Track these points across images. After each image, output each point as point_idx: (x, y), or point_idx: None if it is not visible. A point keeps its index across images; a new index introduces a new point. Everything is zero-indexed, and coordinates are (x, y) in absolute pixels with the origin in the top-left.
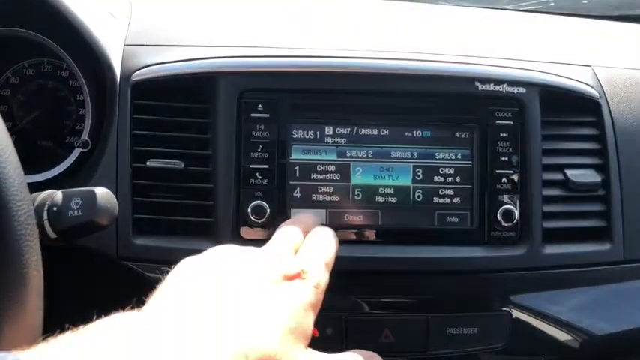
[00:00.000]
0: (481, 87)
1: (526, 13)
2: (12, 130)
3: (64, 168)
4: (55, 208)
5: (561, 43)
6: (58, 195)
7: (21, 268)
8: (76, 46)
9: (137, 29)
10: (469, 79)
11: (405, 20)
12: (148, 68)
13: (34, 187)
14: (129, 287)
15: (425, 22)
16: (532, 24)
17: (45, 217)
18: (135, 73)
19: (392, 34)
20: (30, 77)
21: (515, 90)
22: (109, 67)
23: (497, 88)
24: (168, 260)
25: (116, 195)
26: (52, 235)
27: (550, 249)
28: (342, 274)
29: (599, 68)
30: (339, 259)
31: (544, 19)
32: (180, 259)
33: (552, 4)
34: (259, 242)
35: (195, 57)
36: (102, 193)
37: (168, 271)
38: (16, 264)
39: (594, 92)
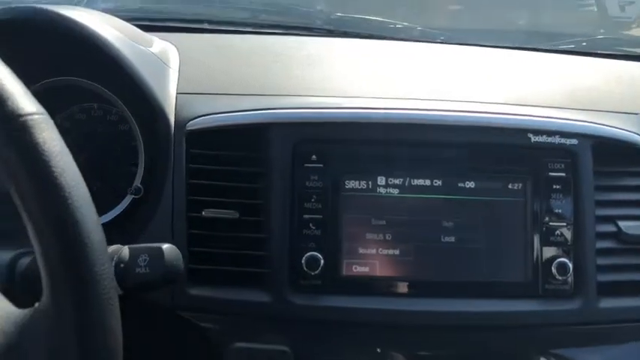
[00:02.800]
0: (534, 139)
1: (561, 55)
2: None
3: (116, 214)
4: (122, 265)
5: (603, 89)
6: (125, 251)
7: (103, 334)
8: (130, 94)
9: (188, 76)
10: (522, 131)
11: (451, 64)
12: (202, 118)
13: None
14: (183, 337)
15: (469, 65)
16: (569, 66)
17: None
18: (190, 123)
19: (442, 80)
20: (80, 121)
21: (568, 142)
22: (163, 116)
23: (549, 139)
24: (223, 311)
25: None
26: (119, 291)
27: (605, 303)
28: (395, 328)
29: None
30: (386, 313)
31: (580, 61)
32: (235, 310)
33: (585, 43)
34: (313, 294)
35: (249, 107)
36: (169, 250)
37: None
38: (99, 331)
39: None
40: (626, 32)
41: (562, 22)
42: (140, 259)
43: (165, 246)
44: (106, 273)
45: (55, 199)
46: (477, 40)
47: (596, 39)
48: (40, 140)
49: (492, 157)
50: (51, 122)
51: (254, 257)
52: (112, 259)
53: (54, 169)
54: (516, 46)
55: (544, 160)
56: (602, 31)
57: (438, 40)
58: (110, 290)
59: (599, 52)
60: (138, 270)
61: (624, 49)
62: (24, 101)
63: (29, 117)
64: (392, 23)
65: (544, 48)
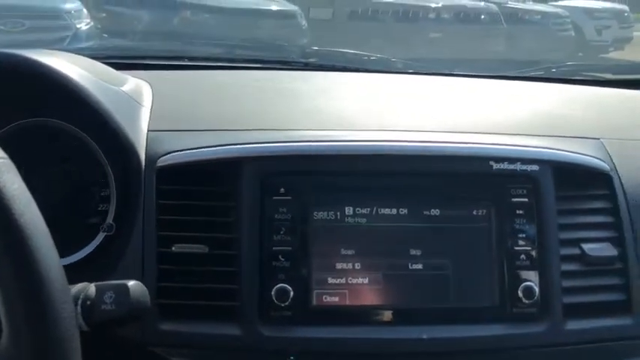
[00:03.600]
0: (495, 166)
1: (530, 82)
2: None
3: (89, 251)
4: (88, 302)
5: (568, 114)
6: (91, 288)
7: None
8: (100, 132)
9: (159, 114)
10: (484, 159)
11: (410, 94)
12: (172, 154)
13: None
14: None
15: (429, 96)
16: (536, 93)
17: (78, 310)
18: (160, 159)
19: (401, 110)
20: (54, 161)
21: (529, 168)
22: (134, 153)
23: (511, 166)
24: (194, 345)
25: (142, 280)
26: (85, 328)
27: (571, 325)
28: (366, 357)
29: (608, 141)
30: (356, 342)
31: (549, 88)
32: (206, 343)
33: (554, 70)
34: (283, 326)
35: (217, 142)
36: (135, 286)
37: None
38: None
39: (605, 166)
40: (603, 56)
41: (537, 49)
42: (106, 295)
43: (131, 283)
44: (67, 312)
45: (14, 239)
46: (449, 70)
47: (564, 65)
48: (1, 184)
49: (456, 185)
50: (11, 166)
51: (224, 290)
52: (79, 297)
53: (13, 210)
54: (486, 74)
55: (506, 186)
56: (580, 54)
57: (411, 71)
58: (71, 329)
59: (567, 77)
60: (104, 307)
61: (593, 74)
62: None
63: None
64: (365, 55)
65: (513, 75)
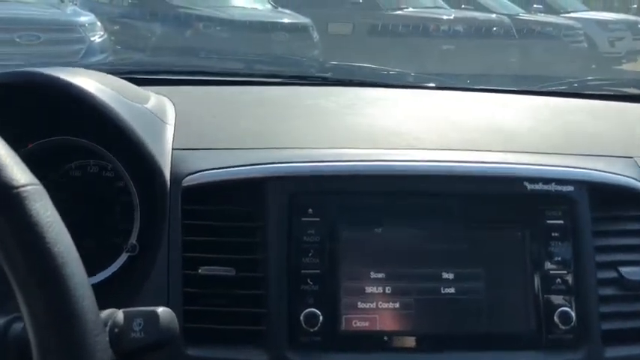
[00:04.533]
0: (530, 187)
1: (553, 98)
2: None
3: (112, 272)
4: (116, 330)
5: (598, 132)
6: (120, 315)
7: None
8: (125, 151)
9: (183, 132)
10: (518, 180)
11: (438, 110)
12: (198, 174)
13: None
14: None
15: (457, 112)
16: (561, 108)
17: (106, 338)
18: (185, 179)
19: (427, 127)
20: (76, 178)
21: (564, 189)
22: (159, 173)
23: (545, 187)
24: None
25: (167, 303)
26: (112, 357)
27: (611, 352)
28: None
29: None
30: None
31: (572, 103)
32: None
33: (576, 85)
34: (312, 351)
35: (244, 161)
36: (164, 313)
37: None
38: None
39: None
40: (617, 68)
41: (553, 62)
42: (135, 323)
43: (161, 309)
44: (99, 343)
45: (47, 268)
46: (469, 84)
47: (587, 80)
48: (34, 212)
49: (490, 207)
50: (44, 193)
51: (251, 315)
52: (107, 324)
53: (46, 239)
54: (508, 89)
55: (541, 207)
56: (593, 66)
57: (431, 86)
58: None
59: (590, 92)
60: (133, 335)
61: (615, 89)
62: (17, 172)
63: (22, 189)
64: (384, 70)
65: (535, 90)
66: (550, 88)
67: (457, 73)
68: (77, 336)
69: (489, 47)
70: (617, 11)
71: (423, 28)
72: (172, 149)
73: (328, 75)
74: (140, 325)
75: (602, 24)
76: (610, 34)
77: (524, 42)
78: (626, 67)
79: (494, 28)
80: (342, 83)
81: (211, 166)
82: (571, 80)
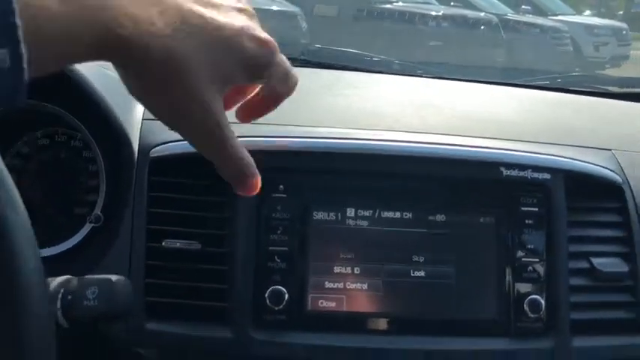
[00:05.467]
0: (506, 172)
1: (536, 91)
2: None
3: (74, 243)
4: (69, 297)
5: (578, 124)
6: (74, 282)
7: None
8: (94, 120)
9: None
10: (494, 165)
11: (420, 96)
12: (166, 145)
13: (42, 262)
14: None
15: (440, 99)
16: (544, 101)
17: (58, 305)
18: (153, 150)
19: (409, 111)
20: (43, 147)
21: (541, 176)
22: (127, 143)
23: (522, 173)
24: (181, 347)
25: (128, 276)
26: (64, 325)
27: (578, 342)
28: None
29: (620, 152)
30: (352, 350)
31: (555, 97)
32: (194, 346)
33: (559, 80)
34: (276, 330)
35: None
36: (120, 282)
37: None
38: None
39: (618, 178)
40: (600, 73)
41: (538, 61)
42: (89, 291)
43: (116, 278)
44: (43, 307)
45: None
46: (454, 75)
47: (570, 76)
48: None
49: (464, 191)
50: None
51: (215, 290)
52: (60, 291)
53: None
54: (492, 80)
55: (516, 194)
56: (577, 68)
57: (416, 74)
58: (46, 327)
59: (573, 88)
60: (86, 303)
61: (598, 86)
62: None
63: None
64: (368, 56)
65: (519, 83)
66: (534, 82)
67: (443, 62)
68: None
69: (476, 44)
70: (604, 17)
71: (411, 22)
72: (143, 119)
73: (310, 58)
74: (94, 293)
75: (588, 28)
76: (595, 39)
77: (511, 41)
78: (610, 72)
79: (482, 27)
80: (324, 66)
81: (181, 137)
82: (555, 75)
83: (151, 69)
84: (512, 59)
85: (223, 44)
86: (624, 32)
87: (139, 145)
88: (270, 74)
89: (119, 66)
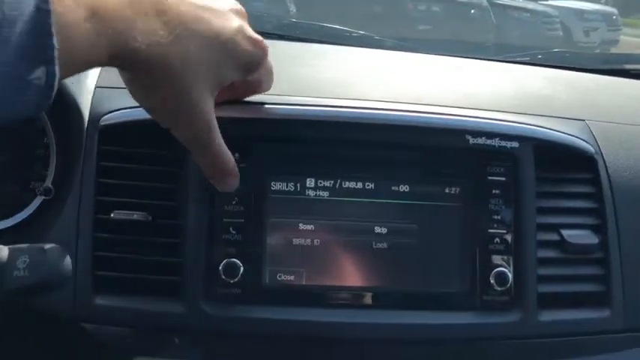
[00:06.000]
0: (472, 141)
1: (515, 65)
2: None
3: (24, 216)
4: None
5: (552, 96)
6: (4, 252)
7: None
8: None
9: (110, 69)
10: (459, 132)
11: (391, 69)
12: (117, 112)
13: None
14: (85, 352)
15: (411, 71)
16: (522, 75)
17: None
18: (103, 117)
19: (377, 82)
20: None
21: (509, 144)
22: (77, 110)
23: (489, 142)
24: (131, 323)
25: (76, 249)
26: None
27: (546, 315)
28: (320, 342)
29: (593, 123)
30: (310, 324)
31: (534, 71)
32: (144, 321)
33: (540, 56)
34: (231, 304)
35: None
36: (52, 250)
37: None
38: None
39: (590, 148)
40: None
41: (513, 38)
42: (19, 260)
43: (49, 246)
44: None
45: None
46: (431, 50)
47: (551, 52)
48: None
49: (428, 160)
50: None
51: (167, 264)
52: None
53: None
54: (470, 56)
55: (483, 163)
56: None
57: (390, 47)
58: None
59: (554, 64)
60: (16, 273)
61: (578, 62)
62: None
63: None
64: (347, 31)
65: (499, 59)
66: (514, 59)
67: (424, 39)
68: None
69: (463, 26)
70: (594, 2)
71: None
72: (95, 87)
73: (284, 32)
74: (25, 262)
75: (578, 13)
76: (585, 24)
77: (501, 25)
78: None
79: (472, 10)
80: (300, 40)
81: (132, 104)
82: (535, 52)
83: (154, 73)
84: (500, 41)
85: (221, 46)
86: (614, 17)
87: (90, 113)
88: (259, 73)
89: (126, 70)
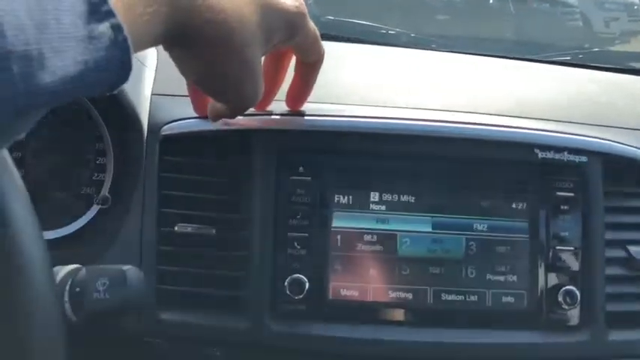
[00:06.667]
0: (541, 155)
1: (557, 66)
2: (25, 180)
3: (81, 225)
4: (77, 289)
5: (611, 103)
6: (82, 273)
7: None
8: (101, 96)
9: (165, 77)
10: (528, 146)
11: (452, 73)
12: (178, 122)
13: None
14: None
15: (460, 74)
16: (569, 79)
17: (66, 297)
18: (164, 127)
19: (441, 89)
20: (48, 124)
21: (577, 159)
22: (135, 119)
23: (557, 156)
24: (195, 338)
25: (139, 262)
26: (73, 318)
27: (615, 335)
28: None
29: None
30: (374, 343)
31: (579, 73)
32: (208, 336)
33: (581, 55)
34: (296, 321)
35: None
36: (132, 273)
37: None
38: None
39: None
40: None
41: (551, 36)
42: (99, 282)
43: (128, 268)
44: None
45: None
46: (467, 49)
47: (592, 51)
48: None
49: (495, 174)
50: None
51: (231, 278)
52: (67, 281)
53: None
54: (510, 55)
55: (551, 178)
56: (586, 46)
57: (430, 47)
58: (54, 324)
59: (595, 64)
60: (96, 295)
61: (621, 62)
62: None
63: None
64: (384, 29)
65: (538, 59)
66: (554, 58)
67: (458, 35)
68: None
69: (483, 16)
70: None
71: None
72: (152, 95)
73: (322, 30)
74: (104, 284)
75: (598, 3)
76: (606, 14)
77: (520, 15)
78: (618, 47)
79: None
80: (337, 39)
81: (193, 114)
82: (576, 51)
83: (212, 44)
84: (522, 33)
85: (270, 4)
86: (635, 7)
87: (149, 122)
88: (304, 34)
89: (180, 47)
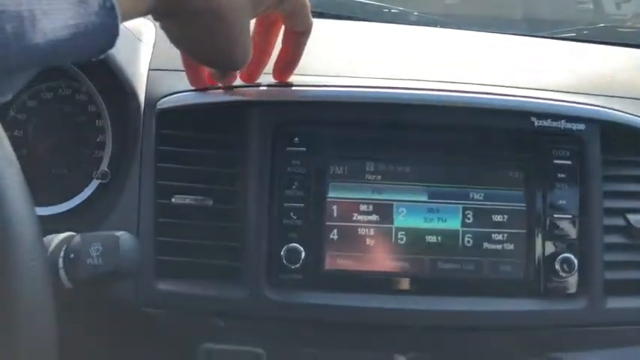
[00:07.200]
0: (537, 123)
1: (563, 42)
2: (26, 157)
3: (81, 200)
4: (71, 255)
5: (613, 74)
6: (77, 239)
7: (34, 339)
8: (96, 70)
9: (162, 52)
10: (525, 114)
11: (451, 48)
12: (174, 96)
13: (47, 221)
14: (148, 336)
15: (468, 48)
16: (573, 52)
17: (60, 264)
18: (160, 101)
19: (439, 62)
20: (47, 101)
21: (575, 127)
22: (133, 94)
23: (555, 124)
24: (193, 308)
25: (137, 234)
26: (68, 285)
27: (612, 303)
28: (382, 329)
29: None
30: (372, 311)
31: (584, 48)
32: (206, 306)
33: (586, 32)
34: (292, 290)
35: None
36: (125, 239)
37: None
38: (29, 332)
39: None
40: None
41: (560, 15)
42: (92, 248)
43: (121, 234)
44: (36, 267)
45: None
46: (474, 27)
47: (598, 27)
48: None
49: (492, 143)
50: None
51: (228, 249)
52: (62, 248)
53: None
54: (516, 32)
55: (548, 146)
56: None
57: (435, 25)
58: (42, 289)
59: (601, 40)
60: (89, 261)
61: (630, 38)
62: None
63: None
64: (387, 7)
65: (545, 35)
66: (559, 35)
67: (464, 14)
68: (9, 258)
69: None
70: None
71: None
72: (149, 70)
73: (324, 10)
74: (98, 250)
75: None
76: None
77: None
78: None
79: None
80: (341, 17)
81: (190, 87)
82: (581, 27)
83: (201, 11)
84: (531, 13)
85: None
86: None
87: (146, 96)
88: (291, 2)
89: (170, 17)
